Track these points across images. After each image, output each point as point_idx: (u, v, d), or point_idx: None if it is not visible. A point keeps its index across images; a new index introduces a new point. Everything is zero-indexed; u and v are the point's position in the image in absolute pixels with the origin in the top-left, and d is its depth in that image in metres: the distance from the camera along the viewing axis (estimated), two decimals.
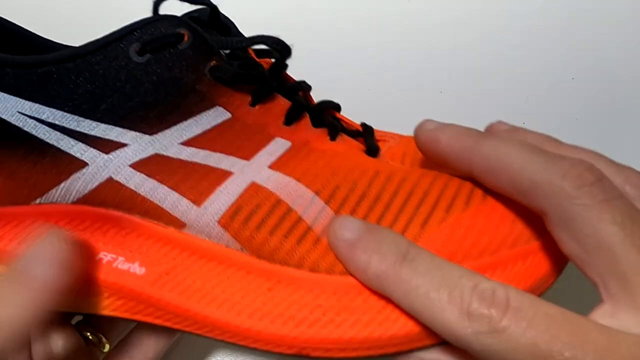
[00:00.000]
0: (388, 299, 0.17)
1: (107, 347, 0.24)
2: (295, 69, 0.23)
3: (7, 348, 0.16)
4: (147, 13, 0.21)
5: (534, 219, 0.18)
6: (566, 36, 0.41)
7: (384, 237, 0.16)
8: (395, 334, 0.17)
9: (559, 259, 0.18)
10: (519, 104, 0.38)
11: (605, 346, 0.13)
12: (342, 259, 0.17)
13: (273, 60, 0.23)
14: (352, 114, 0.25)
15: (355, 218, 0.17)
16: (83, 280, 0.18)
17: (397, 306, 0.17)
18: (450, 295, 0.15)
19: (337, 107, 0.24)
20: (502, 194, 0.17)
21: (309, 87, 0.24)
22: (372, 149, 0.21)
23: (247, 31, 0.23)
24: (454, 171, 0.19)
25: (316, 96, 0.24)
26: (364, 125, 0.24)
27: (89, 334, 0.24)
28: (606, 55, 0.40)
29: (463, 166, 0.17)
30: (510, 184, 0.16)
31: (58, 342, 0.22)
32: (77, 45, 0.24)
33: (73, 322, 0.23)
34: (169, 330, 0.22)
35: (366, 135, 0.23)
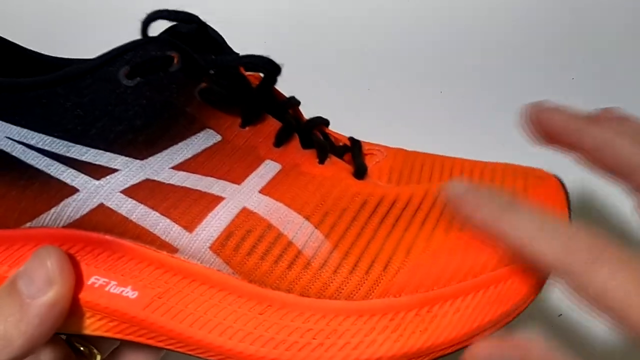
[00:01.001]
0: (376, 323, 0.18)
1: (98, 358, 0.24)
2: (287, 75, 0.23)
3: None
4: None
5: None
6: (566, 36, 0.41)
7: (489, 193, 0.18)
8: (382, 355, 0.18)
9: (540, 279, 0.19)
10: (519, 104, 0.38)
11: None
12: (455, 205, 0.18)
13: (262, 75, 0.23)
14: (350, 113, 0.25)
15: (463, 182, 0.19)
16: (74, 302, 0.19)
17: (384, 329, 0.18)
18: (551, 234, 0.16)
19: (326, 123, 0.24)
20: (601, 170, 0.19)
21: (297, 103, 0.24)
22: (360, 170, 0.22)
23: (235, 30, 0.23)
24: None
25: (307, 101, 0.24)
26: (352, 139, 0.25)
27: (80, 345, 0.24)
28: (606, 55, 0.40)
29: (571, 143, 0.20)
30: (614, 164, 0.18)
31: (47, 354, 0.22)
32: (65, 56, 0.24)
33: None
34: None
35: (354, 152, 0.24)
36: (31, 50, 0.24)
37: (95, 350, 0.24)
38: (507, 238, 0.17)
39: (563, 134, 0.20)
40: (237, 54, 0.23)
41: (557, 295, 0.28)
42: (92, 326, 0.19)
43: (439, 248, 0.18)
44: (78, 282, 0.19)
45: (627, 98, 0.37)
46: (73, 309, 0.19)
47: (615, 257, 0.16)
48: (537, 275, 0.19)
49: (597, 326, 0.28)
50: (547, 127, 0.20)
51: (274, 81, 0.22)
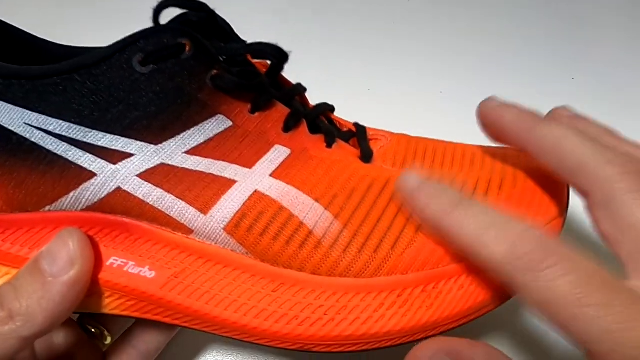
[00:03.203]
0: (384, 299, 0.18)
1: (108, 340, 0.25)
2: (292, 66, 0.24)
3: (28, 341, 0.17)
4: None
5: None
6: (566, 36, 0.41)
7: (442, 186, 0.18)
8: (390, 330, 0.18)
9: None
10: (519, 103, 0.38)
11: (634, 305, 0.14)
12: (405, 200, 0.19)
13: (269, 62, 0.23)
14: (349, 105, 0.25)
15: (417, 173, 0.19)
16: (94, 282, 0.19)
17: (392, 305, 0.18)
18: (498, 234, 0.16)
19: (332, 109, 0.25)
20: (548, 173, 0.19)
21: (304, 89, 0.25)
22: (366, 154, 0.22)
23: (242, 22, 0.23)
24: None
25: (311, 89, 0.25)
26: (357, 125, 0.25)
27: (91, 327, 0.25)
28: (606, 56, 0.40)
29: (519, 143, 0.19)
30: (560, 164, 0.18)
31: (60, 335, 0.23)
32: (75, 45, 0.25)
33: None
34: (174, 325, 0.23)
35: (359, 137, 0.24)
36: (39, 38, 0.24)
37: (106, 332, 0.25)
38: (454, 236, 0.17)
39: (512, 134, 0.19)
40: (245, 42, 0.24)
41: None
42: (110, 305, 0.20)
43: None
44: (97, 262, 0.19)
45: (627, 98, 0.38)
46: (92, 289, 0.20)
47: (564, 259, 0.15)
48: None
49: None
50: (497, 125, 0.20)
51: (281, 68, 0.23)
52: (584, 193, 0.18)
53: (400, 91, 0.40)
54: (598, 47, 0.41)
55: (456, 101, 0.39)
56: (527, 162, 0.22)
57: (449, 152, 0.24)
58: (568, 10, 0.43)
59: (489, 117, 0.21)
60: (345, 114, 0.26)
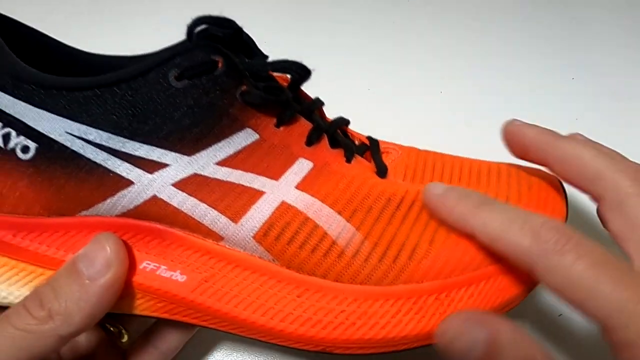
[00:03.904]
0: (401, 306, 0.20)
1: (125, 338, 0.26)
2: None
3: (65, 340, 0.18)
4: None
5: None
6: (566, 37, 0.42)
7: (466, 190, 0.21)
8: (407, 334, 0.20)
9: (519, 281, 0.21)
10: (519, 103, 0.39)
11: None
12: (433, 206, 0.21)
13: (289, 76, 0.25)
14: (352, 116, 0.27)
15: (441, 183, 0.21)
16: (127, 284, 0.21)
17: (408, 311, 0.20)
18: (522, 227, 0.18)
19: (347, 123, 0.26)
20: (566, 181, 0.21)
21: (322, 103, 0.26)
22: (381, 170, 0.24)
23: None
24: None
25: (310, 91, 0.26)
26: (370, 139, 0.27)
27: (110, 325, 0.26)
28: (606, 56, 0.40)
29: (541, 155, 0.22)
30: (578, 173, 0.20)
31: (82, 336, 0.24)
32: (103, 53, 0.25)
33: None
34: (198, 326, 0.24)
35: (373, 151, 0.26)
36: (65, 45, 0.25)
37: (124, 331, 0.26)
38: (481, 233, 0.19)
39: (534, 147, 0.22)
40: (267, 57, 0.25)
41: None
42: (141, 307, 0.21)
43: (458, 240, 0.21)
44: (131, 266, 0.20)
45: (627, 98, 0.38)
46: (125, 291, 0.21)
47: (581, 244, 0.17)
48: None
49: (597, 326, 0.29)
50: (520, 142, 0.23)
51: (302, 83, 0.24)
52: (597, 198, 0.20)
53: (400, 91, 0.40)
54: (598, 48, 0.41)
55: (456, 101, 0.39)
56: (529, 178, 0.24)
57: (456, 166, 0.26)
58: (568, 10, 0.43)
59: (513, 135, 0.23)
60: (347, 116, 0.27)
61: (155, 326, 0.26)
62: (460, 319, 0.19)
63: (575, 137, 0.22)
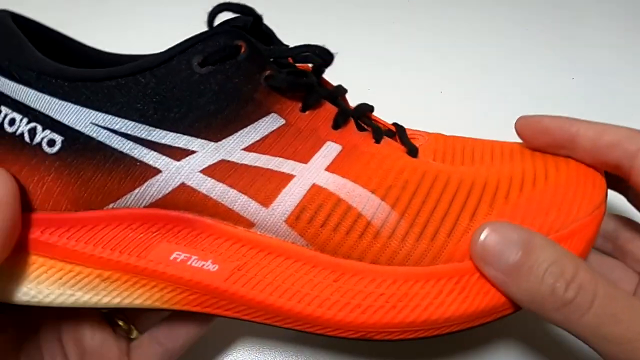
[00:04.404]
0: (443, 286, 0.19)
1: (134, 334, 0.25)
2: None
3: None
4: None
5: (564, 212, 0.20)
6: (566, 36, 0.42)
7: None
8: (450, 315, 0.19)
9: (584, 245, 0.21)
10: (519, 103, 0.39)
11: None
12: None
13: (310, 65, 0.24)
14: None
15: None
16: (155, 276, 0.20)
17: (451, 292, 0.19)
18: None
19: (372, 109, 0.26)
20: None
21: (345, 91, 0.26)
22: (412, 150, 0.23)
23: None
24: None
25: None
26: (396, 125, 0.26)
27: (119, 320, 0.25)
28: (606, 56, 0.41)
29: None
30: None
31: (87, 333, 0.24)
32: (120, 53, 0.25)
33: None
34: (200, 323, 0.24)
35: (401, 135, 0.25)
36: (79, 42, 0.25)
37: (132, 327, 0.25)
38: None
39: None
40: (287, 45, 0.24)
41: None
42: (173, 300, 0.20)
43: (498, 216, 0.20)
44: (161, 258, 0.20)
45: (627, 98, 0.38)
46: (156, 284, 0.20)
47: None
48: (585, 242, 0.21)
49: None
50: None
51: (326, 68, 0.24)
52: (618, 167, 0.20)
53: (400, 90, 0.40)
54: (598, 48, 0.41)
55: (456, 101, 0.40)
56: (552, 156, 0.23)
57: (487, 149, 0.25)
58: (568, 10, 0.43)
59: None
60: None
61: (163, 324, 0.25)
62: (494, 224, 0.19)
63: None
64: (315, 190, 0.20)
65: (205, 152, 0.20)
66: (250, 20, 0.23)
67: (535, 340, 0.29)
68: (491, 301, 0.19)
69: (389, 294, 0.19)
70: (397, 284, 0.19)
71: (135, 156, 0.20)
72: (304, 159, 0.21)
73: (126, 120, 0.20)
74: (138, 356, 0.25)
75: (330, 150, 0.21)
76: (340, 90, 0.25)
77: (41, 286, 0.20)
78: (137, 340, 0.25)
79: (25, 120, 0.20)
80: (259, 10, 0.23)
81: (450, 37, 0.43)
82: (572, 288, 0.18)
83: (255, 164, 0.20)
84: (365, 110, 0.25)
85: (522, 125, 0.23)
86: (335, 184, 0.20)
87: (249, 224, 0.20)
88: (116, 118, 0.20)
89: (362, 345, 0.29)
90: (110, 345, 0.24)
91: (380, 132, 0.23)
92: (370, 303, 0.19)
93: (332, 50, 0.23)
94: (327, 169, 0.21)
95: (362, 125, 0.24)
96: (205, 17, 0.22)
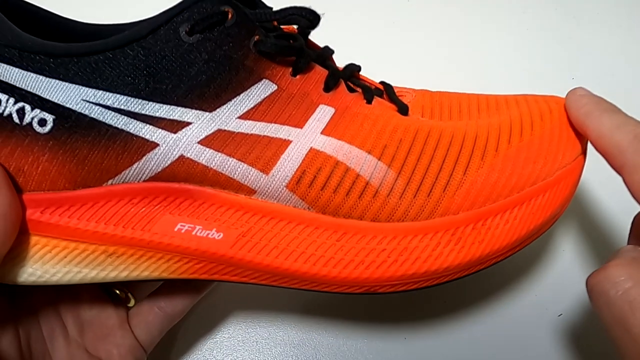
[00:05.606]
0: (440, 239, 0.20)
1: (132, 302, 0.26)
2: None
3: None
4: None
5: (550, 160, 0.21)
6: (566, 36, 0.42)
7: (600, 98, 0.23)
8: (449, 265, 0.20)
9: (569, 191, 0.22)
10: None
11: None
12: (570, 102, 0.23)
13: (295, 27, 0.24)
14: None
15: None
16: (160, 247, 0.20)
17: (447, 243, 0.20)
18: (628, 130, 0.20)
19: (359, 69, 0.26)
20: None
21: (332, 52, 0.26)
22: (403, 108, 0.23)
23: None
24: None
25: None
26: (384, 83, 0.26)
27: (117, 289, 0.26)
28: (606, 56, 0.40)
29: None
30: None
31: (84, 304, 0.24)
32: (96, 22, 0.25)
33: None
34: (199, 287, 0.25)
35: (390, 94, 0.25)
36: (58, 15, 0.24)
37: (130, 295, 0.26)
38: (593, 131, 0.21)
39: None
40: (272, 8, 0.24)
41: (557, 295, 0.29)
42: (180, 269, 0.21)
43: (490, 168, 0.21)
44: (166, 230, 0.20)
45: (627, 98, 0.38)
46: (163, 255, 0.20)
47: None
48: (570, 187, 0.22)
49: (597, 326, 0.28)
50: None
51: (312, 29, 0.24)
52: (619, 166, 0.21)
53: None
54: (598, 47, 0.41)
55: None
56: (547, 104, 0.24)
57: (473, 101, 0.25)
58: (568, 9, 0.43)
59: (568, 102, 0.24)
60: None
61: (161, 289, 0.25)
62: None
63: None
64: (313, 154, 0.20)
65: (201, 122, 0.20)
66: None
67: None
68: (485, 249, 0.20)
69: (390, 249, 0.20)
70: (397, 239, 0.20)
71: (131, 131, 0.19)
72: (299, 124, 0.21)
73: (118, 95, 0.19)
74: (138, 323, 0.25)
75: (323, 113, 0.22)
76: (328, 52, 0.25)
77: (47, 265, 0.21)
78: (137, 307, 0.26)
79: (12, 100, 0.19)
80: None
81: (449, 36, 0.42)
82: None
83: (252, 132, 0.20)
84: (353, 70, 0.25)
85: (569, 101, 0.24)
86: (332, 146, 0.21)
87: (250, 192, 0.20)
88: (107, 93, 0.19)
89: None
90: (109, 314, 0.25)
91: (370, 92, 0.23)
92: (373, 259, 0.20)
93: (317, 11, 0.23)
94: (323, 132, 0.21)
95: (352, 86, 0.24)
96: None
